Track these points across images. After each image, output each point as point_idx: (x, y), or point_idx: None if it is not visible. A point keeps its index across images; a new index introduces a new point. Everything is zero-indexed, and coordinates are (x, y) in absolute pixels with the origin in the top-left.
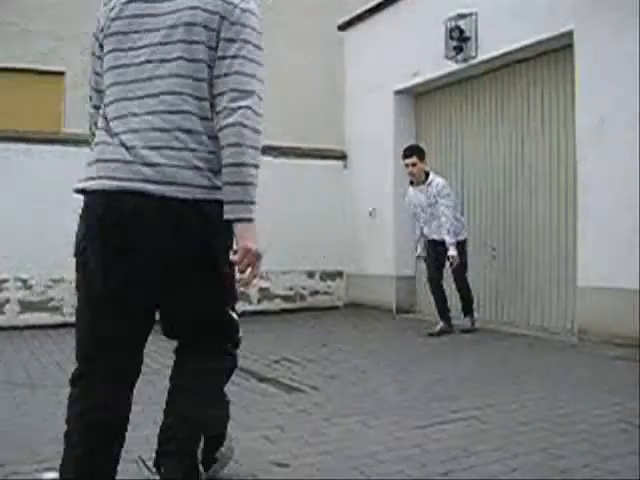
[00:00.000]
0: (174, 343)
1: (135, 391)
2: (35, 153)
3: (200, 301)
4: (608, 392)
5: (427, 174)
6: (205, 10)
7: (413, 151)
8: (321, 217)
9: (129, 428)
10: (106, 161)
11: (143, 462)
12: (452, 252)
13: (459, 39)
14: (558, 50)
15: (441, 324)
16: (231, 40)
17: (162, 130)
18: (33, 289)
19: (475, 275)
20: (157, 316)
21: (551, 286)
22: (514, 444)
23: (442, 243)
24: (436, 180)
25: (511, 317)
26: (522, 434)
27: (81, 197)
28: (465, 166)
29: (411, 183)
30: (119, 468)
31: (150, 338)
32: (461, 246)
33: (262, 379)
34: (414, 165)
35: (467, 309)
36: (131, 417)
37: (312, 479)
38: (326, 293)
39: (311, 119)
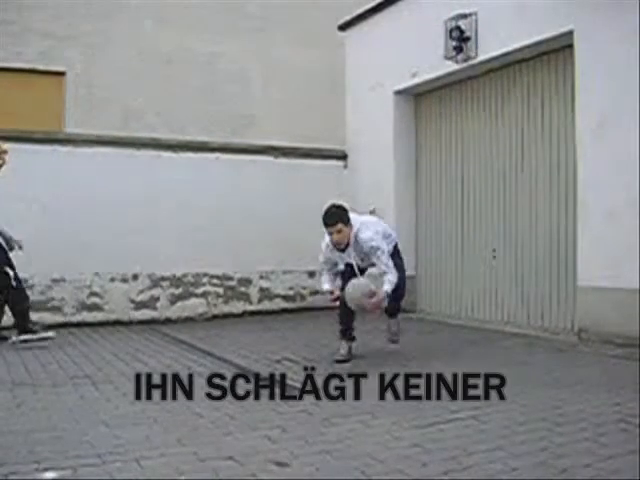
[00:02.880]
0: (172, 345)
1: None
2: (35, 153)
3: None
4: (608, 392)
5: None
6: None
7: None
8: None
9: (130, 428)
10: None
11: None
12: None
13: (459, 39)
14: (558, 50)
15: None
16: None
17: None
18: (34, 289)
19: (475, 275)
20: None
21: (551, 286)
22: (514, 444)
23: None
24: None
25: (511, 317)
26: (522, 434)
27: (79, 197)
28: (465, 166)
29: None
30: (119, 466)
31: (149, 338)
32: None
33: (262, 379)
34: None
35: None
36: (132, 417)
37: (312, 479)
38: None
39: (311, 119)
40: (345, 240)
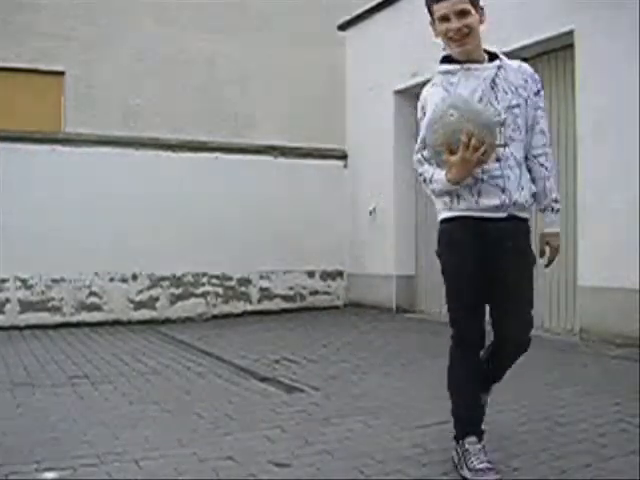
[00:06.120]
0: (172, 345)
1: (135, 391)
2: (35, 153)
3: None
4: (608, 392)
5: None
6: None
7: None
8: (321, 217)
9: (129, 428)
10: None
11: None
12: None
13: None
14: (558, 50)
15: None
16: None
17: None
18: (33, 289)
19: None
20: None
21: (551, 286)
22: (514, 444)
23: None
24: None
25: None
26: (522, 434)
27: (79, 197)
28: None
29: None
30: (118, 467)
31: (148, 338)
32: None
33: (262, 379)
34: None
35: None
36: (131, 417)
37: (312, 479)
38: (326, 293)
39: (311, 119)
40: (472, 40)
